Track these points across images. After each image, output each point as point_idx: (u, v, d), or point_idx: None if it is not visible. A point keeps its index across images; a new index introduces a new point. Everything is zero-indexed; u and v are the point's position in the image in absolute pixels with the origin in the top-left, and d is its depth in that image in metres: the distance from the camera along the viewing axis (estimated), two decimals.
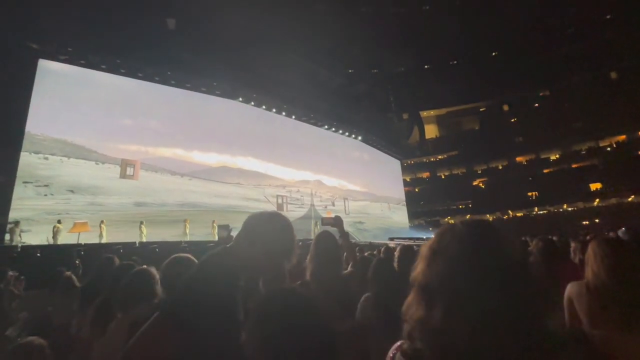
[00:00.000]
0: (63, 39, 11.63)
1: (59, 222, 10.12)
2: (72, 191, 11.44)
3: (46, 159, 11.22)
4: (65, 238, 10.01)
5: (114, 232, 11.26)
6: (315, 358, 0.75)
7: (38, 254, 7.58)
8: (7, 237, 9.28)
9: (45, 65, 11.64)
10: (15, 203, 10.13)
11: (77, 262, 5.56)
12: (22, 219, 9.91)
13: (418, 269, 0.67)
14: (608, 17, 27.04)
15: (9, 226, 9.45)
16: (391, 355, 0.67)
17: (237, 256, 0.97)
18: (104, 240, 10.76)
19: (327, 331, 0.82)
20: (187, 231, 12.99)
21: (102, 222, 11.10)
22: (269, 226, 1.01)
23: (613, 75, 28.80)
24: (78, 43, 11.89)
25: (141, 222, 11.91)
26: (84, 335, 1.56)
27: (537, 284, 0.63)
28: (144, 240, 11.38)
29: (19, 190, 10.33)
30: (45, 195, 10.87)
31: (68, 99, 11.99)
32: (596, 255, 1.36)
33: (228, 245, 1.01)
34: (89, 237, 10.26)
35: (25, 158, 10.72)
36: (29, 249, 8.30)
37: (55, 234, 9.84)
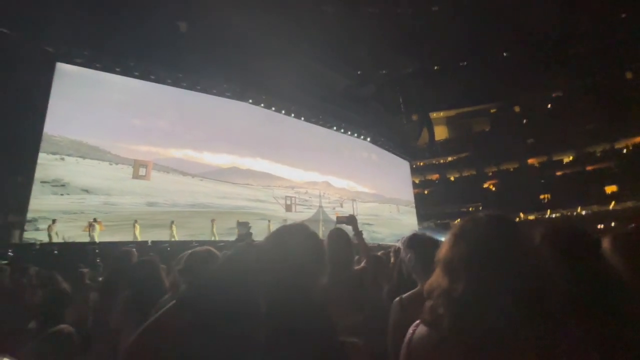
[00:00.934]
0: (79, 43, 11.97)
1: (94, 220, 10.45)
2: (87, 191, 11.71)
3: (62, 159, 11.51)
4: (79, 237, 10.26)
5: (127, 231, 11.49)
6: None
7: (55, 252, 7.81)
8: (47, 235, 9.67)
9: (63, 68, 11.98)
10: (32, 202, 10.42)
11: (97, 260, 5.73)
12: (39, 218, 10.20)
13: (443, 249, 0.78)
14: (623, 15, 26.44)
15: (47, 225, 9.83)
16: (411, 331, 0.73)
17: (264, 263, 0.93)
18: (137, 239, 11.08)
19: (331, 335, 0.81)
20: (215, 231, 13.15)
21: (135, 221, 11.43)
22: (305, 247, 0.95)
23: (628, 75, 28.10)
24: (93, 47, 12.22)
25: (172, 222, 12.25)
26: (113, 326, 1.62)
27: (545, 272, 0.71)
28: (175, 239, 11.66)
29: (36, 190, 10.63)
30: (62, 195, 11.15)
31: (84, 100, 12.28)
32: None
33: (255, 245, 1.00)
34: (102, 236, 10.51)
35: (43, 158, 11.03)
36: (46, 247, 8.57)
37: (90, 232, 10.17)
